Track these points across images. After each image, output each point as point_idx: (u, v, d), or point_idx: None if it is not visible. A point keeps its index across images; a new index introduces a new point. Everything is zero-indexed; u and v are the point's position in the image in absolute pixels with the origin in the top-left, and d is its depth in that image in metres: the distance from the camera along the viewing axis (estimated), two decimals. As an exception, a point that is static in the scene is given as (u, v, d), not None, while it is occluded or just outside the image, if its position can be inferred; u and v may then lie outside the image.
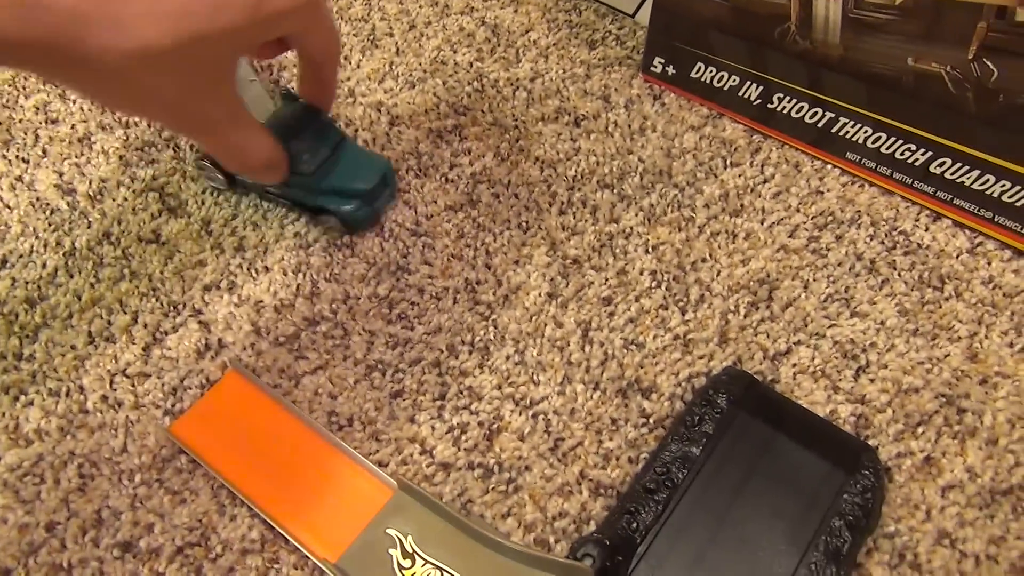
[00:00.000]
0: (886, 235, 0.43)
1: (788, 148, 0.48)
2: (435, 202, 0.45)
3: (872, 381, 0.38)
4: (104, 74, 0.27)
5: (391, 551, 0.31)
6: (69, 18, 0.25)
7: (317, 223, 0.43)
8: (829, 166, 0.47)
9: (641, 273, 0.42)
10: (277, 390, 0.37)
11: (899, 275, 0.42)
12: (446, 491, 0.35)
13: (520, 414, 0.37)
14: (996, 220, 0.42)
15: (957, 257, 0.43)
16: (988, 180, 0.41)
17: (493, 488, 0.35)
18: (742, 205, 0.45)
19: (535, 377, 0.38)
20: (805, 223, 0.44)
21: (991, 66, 0.37)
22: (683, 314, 0.40)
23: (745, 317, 0.40)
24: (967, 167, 0.41)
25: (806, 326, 0.40)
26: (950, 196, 0.43)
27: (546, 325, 0.40)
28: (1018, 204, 0.41)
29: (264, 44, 0.35)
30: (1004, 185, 0.41)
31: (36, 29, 0.25)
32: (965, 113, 0.39)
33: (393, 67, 0.52)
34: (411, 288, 0.41)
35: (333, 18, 0.37)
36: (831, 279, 0.42)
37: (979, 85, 0.38)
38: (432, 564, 0.30)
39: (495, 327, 0.40)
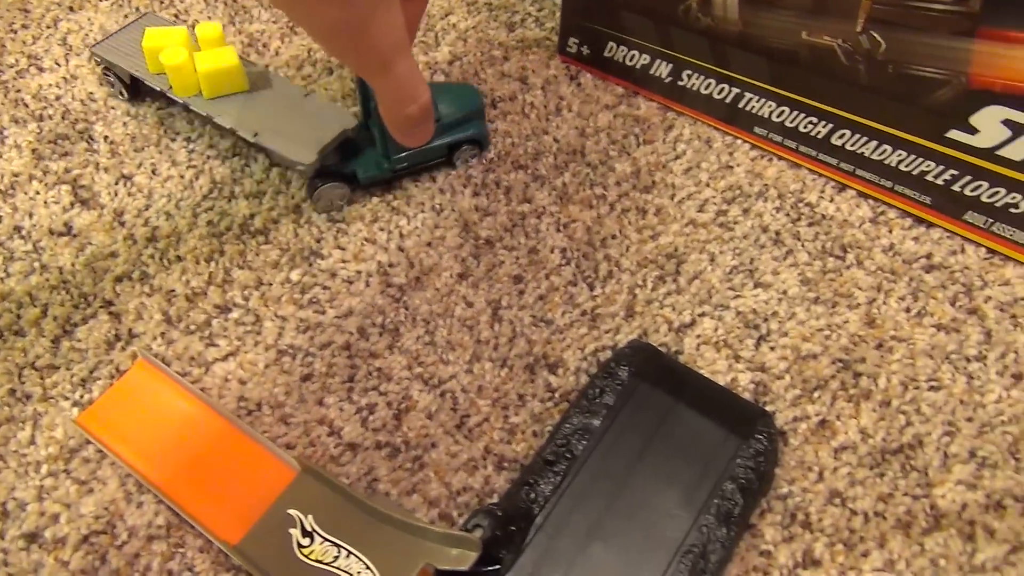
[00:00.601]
0: (792, 207, 0.44)
1: (700, 124, 0.48)
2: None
3: (772, 349, 0.39)
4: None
5: (291, 531, 0.31)
6: None
7: (453, 166, 0.46)
8: (739, 141, 0.47)
9: (552, 251, 0.43)
10: (186, 378, 0.38)
11: (803, 245, 0.43)
12: (352, 471, 0.36)
13: (428, 393, 0.38)
14: (896, 189, 0.43)
15: (860, 226, 0.44)
16: (886, 150, 0.42)
17: (399, 466, 0.36)
18: (653, 182, 0.46)
19: (444, 356, 0.39)
20: (714, 197, 0.45)
21: (878, 38, 0.38)
22: (591, 290, 0.41)
23: (652, 291, 0.41)
24: (865, 138, 0.42)
25: (711, 298, 0.41)
26: (852, 167, 0.44)
27: (456, 305, 0.41)
28: (915, 173, 0.42)
29: None
30: (900, 155, 0.42)
31: None
32: (858, 85, 0.40)
33: (311, 53, 0.52)
34: (324, 272, 0.42)
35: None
36: (737, 252, 0.43)
37: (869, 57, 0.39)
38: (330, 542, 0.31)
39: (406, 308, 0.40)
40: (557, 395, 0.38)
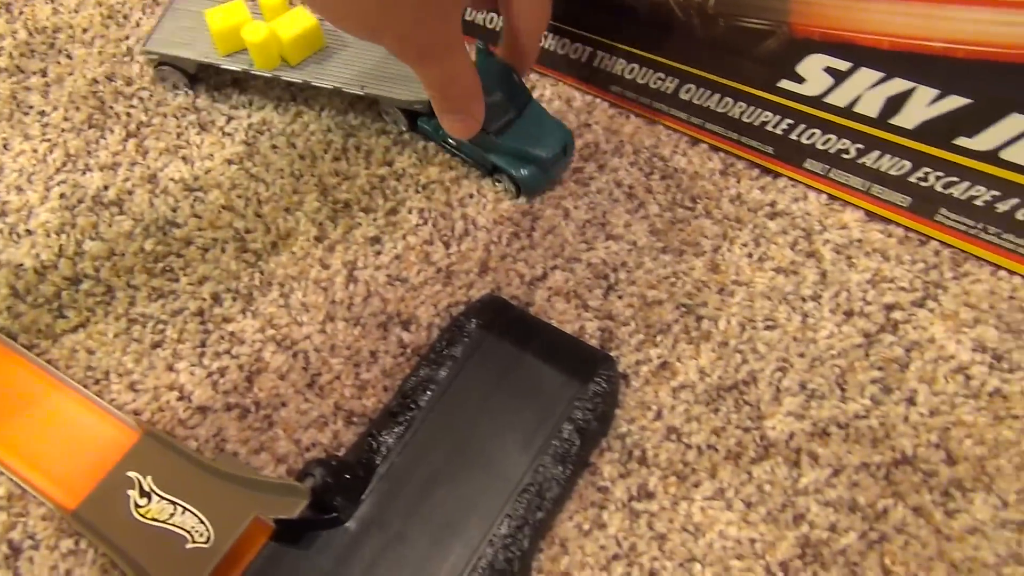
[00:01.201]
0: (645, 162, 0.46)
1: (562, 85, 0.49)
2: (212, 156, 0.45)
3: (620, 298, 0.40)
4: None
5: (129, 492, 0.32)
6: None
7: (493, 181, 0.44)
8: (598, 100, 0.48)
9: (410, 212, 0.43)
10: (32, 351, 0.37)
11: (654, 198, 0.44)
12: (202, 433, 0.36)
13: (281, 354, 0.38)
14: (742, 141, 0.45)
15: (710, 178, 0.45)
16: (728, 102, 0.44)
17: (249, 426, 0.36)
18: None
19: (298, 318, 0.39)
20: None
21: (708, -8, 0.39)
22: (447, 248, 0.42)
23: (507, 247, 0.42)
24: (709, 91, 0.44)
25: (563, 252, 0.42)
26: (702, 121, 0.45)
27: (312, 267, 0.41)
28: (756, 124, 0.43)
29: None
30: (741, 107, 0.43)
31: None
32: (696, 39, 0.42)
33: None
34: (178, 241, 0.42)
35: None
36: (591, 206, 0.44)
37: (701, 10, 0.40)
38: (167, 500, 0.31)
39: (261, 273, 0.41)
40: (409, 350, 0.38)
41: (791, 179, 0.45)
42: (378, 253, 0.42)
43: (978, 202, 0.39)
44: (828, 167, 0.43)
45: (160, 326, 0.39)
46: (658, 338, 0.39)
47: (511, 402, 0.35)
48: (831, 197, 0.44)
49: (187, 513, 0.31)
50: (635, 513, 0.34)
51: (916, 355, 0.38)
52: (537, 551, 0.33)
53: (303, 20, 0.43)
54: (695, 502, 0.34)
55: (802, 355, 0.38)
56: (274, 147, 0.46)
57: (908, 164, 0.39)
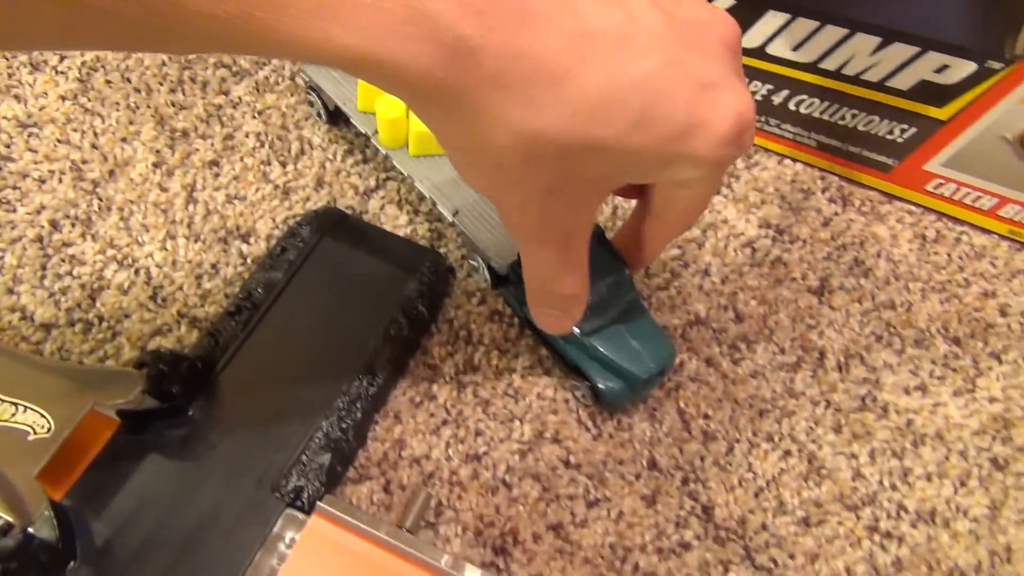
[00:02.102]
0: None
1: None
2: (46, 94, 0.46)
3: (449, 202, 0.44)
4: (479, 148, 0.23)
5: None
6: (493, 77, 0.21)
7: (571, 381, 0.38)
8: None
9: (247, 136, 0.45)
10: None
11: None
12: (47, 348, 0.37)
13: (123, 272, 0.40)
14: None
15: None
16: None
17: (94, 338, 0.38)
18: (351, 69, 0.49)
19: (139, 239, 0.41)
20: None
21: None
22: (284, 167, 0.44)
23: (341, 163, 0.45)
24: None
25: (394, 166, 0.45)
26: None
27: (151, 191, 0.43)
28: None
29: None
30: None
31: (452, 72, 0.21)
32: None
33: None
34: (14, 175, 0.43)
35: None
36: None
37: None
38: (8, 402, 0.33)
39: (100, 200, 0.42)
40: (249, 260, 0.41)
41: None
42: (216, 175, 0.44)
43: (757, 96, 0.44)
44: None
45: (-2, 253, 0.40)
46: (484, 235, 0.43)
47: (345, 295, 0.38)
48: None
49: (28, 410, 0.32)
50: (462, 384, 0.38)
51: (711, 234, 0.43)
52: (372, 422, 0.36)
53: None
54: (516, 372, 0.38)
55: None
56: (108, 82, 0.47)
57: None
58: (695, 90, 0.23)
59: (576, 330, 0.34)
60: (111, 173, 0.43)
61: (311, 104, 0.46)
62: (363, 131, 0.42)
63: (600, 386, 0.35)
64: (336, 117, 0.45)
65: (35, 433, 0.31)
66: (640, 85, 0.22)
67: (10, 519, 0.29)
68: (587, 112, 0.22)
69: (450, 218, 0.39)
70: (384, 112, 0.40)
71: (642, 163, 0.24)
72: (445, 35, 0.20)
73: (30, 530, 0.29)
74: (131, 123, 0.45)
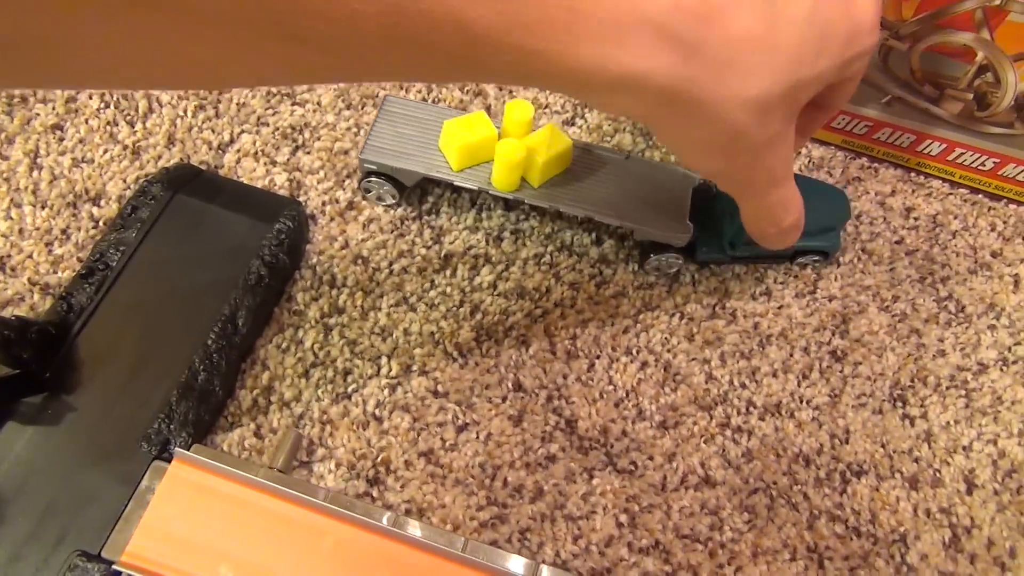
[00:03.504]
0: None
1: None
2: None
3: (308, 153, 0.44)
4: (716, 132, 0.26)
5: None
6: (720, 64, 0.24)
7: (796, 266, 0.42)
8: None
9: (90, 97, 0.44)
10: None
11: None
12: None
13: (-34, 245, 0.38)
14: None
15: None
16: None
17: (-60, 314, 0.37)
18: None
19: (-19, 209, 0.40)
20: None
21: None
22: (132, 127, 0.43)
23: (192, 118, 0.44)
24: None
25: (249, 119, 0.44)
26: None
27: (-10, 161, 0.41)
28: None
29: None
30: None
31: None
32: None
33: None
34: None
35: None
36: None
37: None
38: None
39: (-65, 173, 0.40)
40: (101, 223, 0.40)
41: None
42: (61, 140, 0.42)
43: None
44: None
45: None
46: (345, 182, 0.43)
47: (203, 249, 0.38)
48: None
49: None
50: (328, 328, 0.38)
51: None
52: (239, 371, 0.37)
53: (558, 141, 0.39)
54: (382, 311, 0.39)
55: (471, 177, 0.44)
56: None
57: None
58: (839, 3, 0.27)
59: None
60: (-55, 145, 0.41)
61: (367, 192, 0.42)
62: (472, 187, 0.39)
63: (829, 245, 0.41)
64: (403, 192, 0.42)
65: None
66: (811, 20, 0.25)
67: None
68: (790, 61, 0.25)
69: (617, 223, 0.40)
70: (509, 156, 0.37)
71: (830, 77, 0.27)
72: (673, 36, 0.23)
73: None
74: (-37, 92, 0.43)
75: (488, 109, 0.46)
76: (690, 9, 0.23)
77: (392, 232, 0.41)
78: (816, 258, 0.42)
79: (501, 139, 0.38)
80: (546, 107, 0.46)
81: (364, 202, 0.42)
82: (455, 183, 0.39)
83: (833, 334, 0.41)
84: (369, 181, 0.41)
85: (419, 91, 0.46)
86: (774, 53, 0.25)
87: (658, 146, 0.45)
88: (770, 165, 0.29)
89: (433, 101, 0.46)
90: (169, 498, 0.30)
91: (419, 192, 0.42)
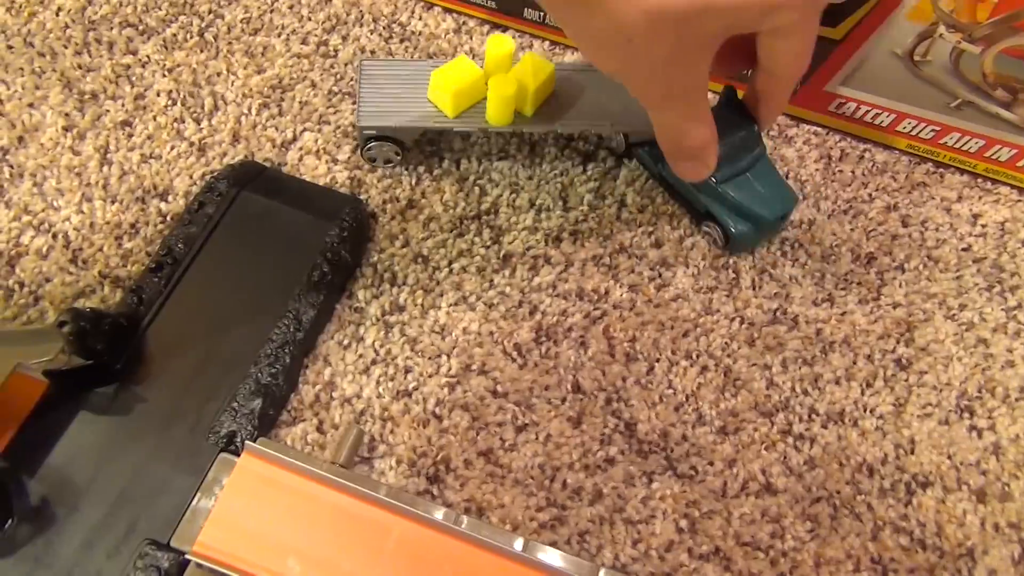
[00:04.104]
0: (384, 28, 0.49)
1: (301, -35, 0.51)
2: (-55, 64, 0.45)
3: (369, 149, 0.44)
4: (612, 30, 0.28)
5: None
6: None
7: (702, 226, 0.42)
8: (337, -24, 0.51)
9: (158, 94, 0.45)
10: None
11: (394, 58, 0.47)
12: (-33, 318, 0.37)
13: (40, 237, 0.40)
14: (470, 0, 0.49)
15: (445, 37, 0.49)
16: (449, -37, 0.47)
17: (16, 304, 0.38)
18: (263, 24, 0.49)
19: (54, 203, 0.41)
20: (315, 30, 0.49)
21: None
22: (198, 123, 0.44)
23: (257, 116, 0.45)
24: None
25: (311, 118, 0.45)
26: (432, -15, 0.49)
27: (63, 156, 0.42)
28: (478, -18, 0.47)
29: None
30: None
31: None
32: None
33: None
34: (-82, 147, 0.42)
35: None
36: (337, 76, 0.47)
37: None
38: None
39: (11, 167, 0.41)
40: (168, 218, 0.41)
41: (516, 30, 0.49)
42: (130, 136, 0.43)
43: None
44: (543, 14, 0.47)
45: (-92, 226, 0.39)
46: (403, 179, 0.43)
47: (267, 245, 0.39)
48: (552, 43, 0.49)
49: (-50, 377, 0.33)
50: (389, 325, 0.39)
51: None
52: (302, 366, 0.37)
53: (542, 67, 0.40)
54: (441, 309, 0.39)
55: (530, 178, 0.44)
56: (10, 48, 0.46)
57: None
58: None
59: (712, 179, 0.38)
60: (20, 140, 0.42)
61: (372, 160, 0.43)
62: (470, 130, 0.41)
63: (732, 229, 0.39)
64: (405, 151, 0.43)
65: (-41, 397, 0.32)
66: None
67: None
68: None
69: (611, 133, 0.42)
70: (503, 90, 0.39)
71: (745, 16, 0.29)
72: None
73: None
74: (37, 88, 0.44)
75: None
76: None
77: (451, 231, 0.42)
78: (718, 234, 0.41)
79: (488, 76, 0.40)
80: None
81: (424, 200, 0.42)
82: (455, 129, 0.41)
83: (898, 342, 0.40)
84: (370, 148, 0.42)
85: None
86: None
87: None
88: (667, 81, 0.31)
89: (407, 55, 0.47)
90: (238, 490, 0.30)
91: (478, 191, 0.43)
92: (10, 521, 0.31)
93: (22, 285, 0.38)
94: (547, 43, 0.49)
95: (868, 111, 0.45)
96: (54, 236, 0.40)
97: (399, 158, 0.42)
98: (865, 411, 0.38)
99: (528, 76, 0.39)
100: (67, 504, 0.31)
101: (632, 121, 0.41)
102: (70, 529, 0.31)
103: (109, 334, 0.34)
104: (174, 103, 0.44)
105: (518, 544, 0.31)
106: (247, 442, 0.31)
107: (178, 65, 0.46)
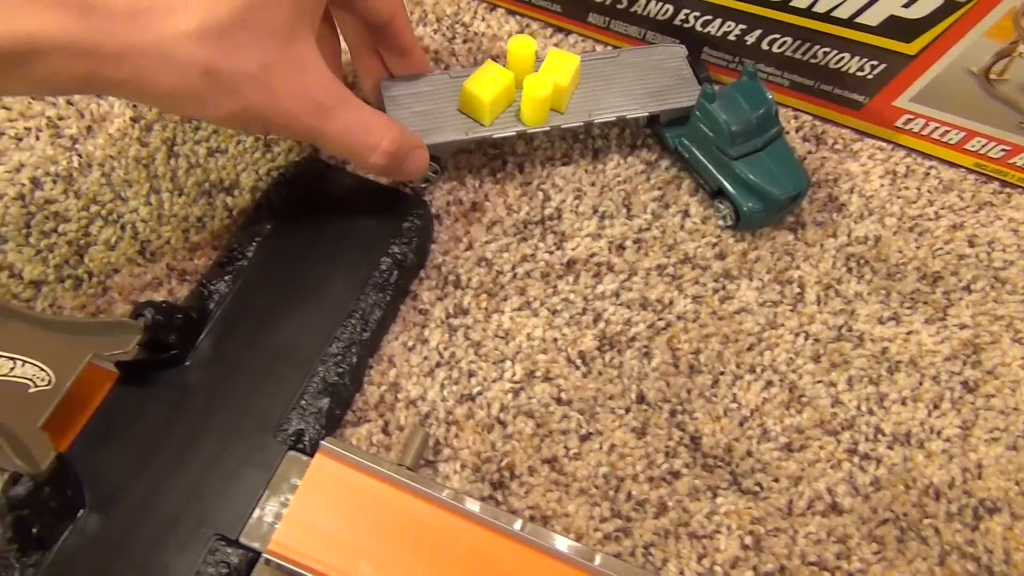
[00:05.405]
0: (448, 28, 0.49)
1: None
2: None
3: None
4: (175, 68, 0.26)
5: (-38, 355, 0.33)
6: (126, 14, 0.26)
7: (715, 203, 0.43)
8: (401, -25, 0.51)
9: (224, 89, 0.45)
10: None
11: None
12: (38, 305, 0.37)
13: (108, 228, 0.40)
14: (533, 2, 0.49)
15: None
16: (517, -34, 0.47)
17: (84, 293, 0.38)
18: (326, 20, 0.49)
19: (122, 194, 0.41)
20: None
21: None
22: (264, 119, 0.44)
23: (321, 114, 0.44)
24: (499, -44, 0.47)
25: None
26: (497, -13, 0.49)
27: (131, 147, 0.42)
28: (544, -15, 0.47)
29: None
30: (529, -31, 0.47)
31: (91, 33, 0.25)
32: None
33: None
34: (-11, 133, 0.42)
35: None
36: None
37: None
38: (5, 357, 0.33)
39: (80, 156, 0.42)
40: (235, 213, 0.41)
41: (579, 34, 0.49)
42: (196, 129, 0.43)
43: (731, 36, 0.44)
44: (608, 19, 0.47)
45: (-20, 213, 0.40)
46: (468, 181, 0.43)
47: (333, 244, 0.39)
48: (614, 47, 0.49)
49: (26, 364, 0.33)
50: (453, 328, 0.39)
51: (685, 175, 0.44)
52: (367, 367, 0.37)
53: (568, 61, 0.40)
54: (505, 314, 0.39)
55: (593, 184, 0.43)
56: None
57: (671, 8, 0.44)
58: None
59: (728, 156, 0.39)
60: (88, 129, 0.43)
61: (428, 180, 0.42)
62: (510, 135, 0.40)
63: (743, 205, 0.40)
64: (443, 167, 0.42)
65: (35, 386, 0.32)
66: None
67: (19, 468, 0.29)
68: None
69: (647, 114, 0.42)
70: (539, 91, 0.39)
71: None
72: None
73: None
74: (106, 78, 0.44)
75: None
76: None
77: (515, 236, 0.41)
78: (727, 210, 0.41)
79: (516, 79, 0.40)
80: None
81: (487, 202, 0.42)
82: (493, 136, 0.40)
83: (964, 364, 0.39)
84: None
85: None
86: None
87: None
88: (299, 93, 0.29)
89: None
90: (313, 490, 0.30)
91: (541, 196, 0.42)
92: (81, 511, 0.31)
93: (91, 275, 0.38)
94: (610, 47, 0.48)
95: (937, 128, 0.44)
96: (122, 227, 0.40)
97: (437, 176, 0.41)
98: (932, 433, 0.37)
99: (559, 73, 0.40)
100: (138, 496, 0.31)
101: (662, 101, 0.41)
102: (142, 521, 0.31)
103: (180, 327, 0.34)
104: (240, 98, 0.44)
105: (589, 555, 0.30)
106: (322, 442, 0.31)
107: (244, 60, 0.46)
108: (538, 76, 0.39)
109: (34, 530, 0.29)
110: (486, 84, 0.39)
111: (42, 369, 0.32)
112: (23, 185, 0.40)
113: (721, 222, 0.42)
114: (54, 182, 0.41)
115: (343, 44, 0.41)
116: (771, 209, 0.40)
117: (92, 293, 0.38)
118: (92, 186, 0.41)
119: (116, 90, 0.28)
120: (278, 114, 0.30)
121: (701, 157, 0.41)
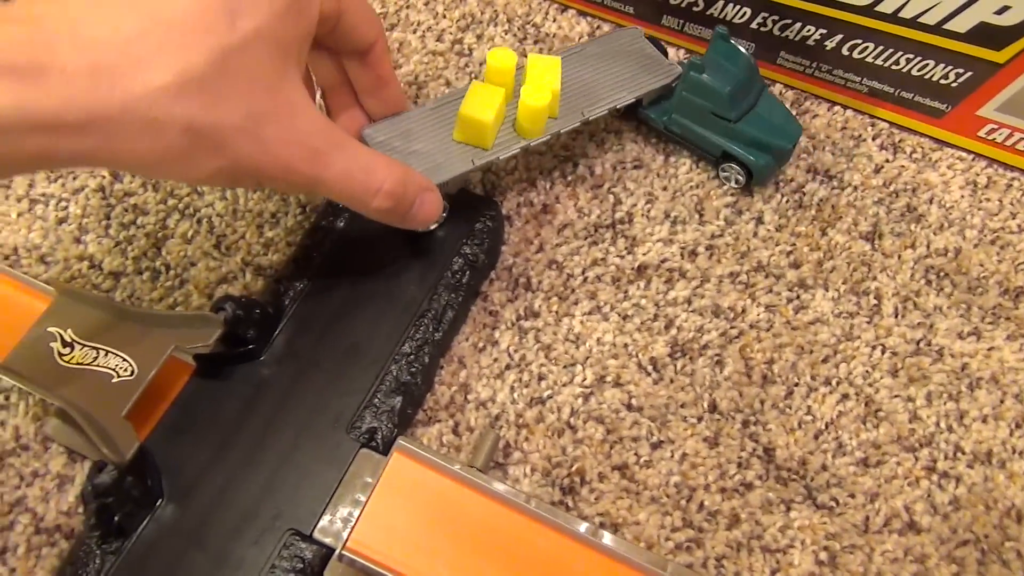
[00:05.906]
0: (519, 29, 0.49)
1: (437, -37, 0.51)
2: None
3: (503, 152, 0.44)
4: (150, 130, 0.24)
5: (51, 344, 0.34)
6: (87, 74, 0.23)
7: (719, 170, 0.43)
8: (473, -25, 0.51)
9: (298, 87, 0.45)
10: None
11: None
12: (117, 296, 0.38)
13: (185, 221, 0.40)
14: (605, 3, 0.48)
15: (579, 40, 0.48)
16: (591, -33, 0.47)
17: (162, 285, 0.38)
18: (399, 20, 0.49)
19: (198, 188, 0.41)
20: (450, 28, 0.49)
21: None
22: (337, 117, 0.44)
23: (393, 113, 0.45)
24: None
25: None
26: (569, -12, 0.49)
27: (207, 142, 0.43)
28: (618, -13, 0.47)
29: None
30: (603, -30, 0.46)
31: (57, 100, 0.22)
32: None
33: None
34: (72, 126, 0.43)
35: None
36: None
37: None
38: (89, 347, 0.34)
39: (158, 150, 0.42)
40: (308, 209, 0.41)
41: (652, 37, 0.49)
42: (271, 125, 0.44)
43: (810, 41, 0.44)
44: (683, 21, 0.47)
45: (63, 203, 0.40)
46: (539, 183, 0.43)
47: (404, 243, 0.39)
48: (688, 51, 0.48)
49: (110, 355, 0.33)
50: (523, 330, 0.38)
51: (679, 153, 0.43)
52: (438, 367, 0.37)
53: (551, 64, 0.39)
54: (575, 317, 0.39)
55: (665, 188, 0.43)
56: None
57: (748, 11, 0.44)
58: None
59: (729, 119, 0.39)
60: (167, 124, 0.43)
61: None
62: (512, 153, 0.38)
63: (754, 161, 0.40)
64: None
65: (118, 376, 0.32)
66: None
67: (104, 457, 0.30)
68: (196, 32, 0.25)
69: (634, 100, 0.41)
70: (537, 101, 0.37)
71: (280, 33, 0.26)
72: (8, 67, 0.22)
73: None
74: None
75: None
76: (18, 38, 0.22)
77: (586, 239, 0.41)
78: (739, 172, 0.41)
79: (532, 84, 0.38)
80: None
81: (558, 205, 0.42)
82: (499, 158, 0.38)
83: (1049, 382, 0.38)
84: None
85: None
86: (173, 37, 0.24)
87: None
88: (292, 140, 0.27)
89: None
90: (389, 489, 0.30)
91: (612, 199, 0.42)
92: (160, 500, 0.31)
93: (168, 267, 0.39)
94: (683, 50, 0.48)
95: (1021, 139, 0.43)
96: (199, 221, 0.40)
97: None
98: (1014, 453, 0.36)
99: (548, 78, 0.39)
100: (215, 488, 0.32)
101: (644, 83, 0.41)
102: (217, 513, 0.31)
103: (258, 322, 0.34)
104: (314, 95, 0.45)
105: (662, 564, 0.30)
106: (398, 441, 0.31)
107: (317, 57, 0.46)
108: (533, 86, 0.37)
109: (116, 518, 0.30)
110: (483, 106, 0.36)
111: (125, 360, 0.33)
112: (103, 177, 0.41)
113: (735, 185, 0.42)
114: (133, 175, 0.41)
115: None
116: (781, 160, 0.40)
117: (169, 285, 0.38)
118: (168, 181, 0.41)
119: (83, 162, 0.25)
120: (271, 165, 0.27)
121: (697, 128, 0.41)
